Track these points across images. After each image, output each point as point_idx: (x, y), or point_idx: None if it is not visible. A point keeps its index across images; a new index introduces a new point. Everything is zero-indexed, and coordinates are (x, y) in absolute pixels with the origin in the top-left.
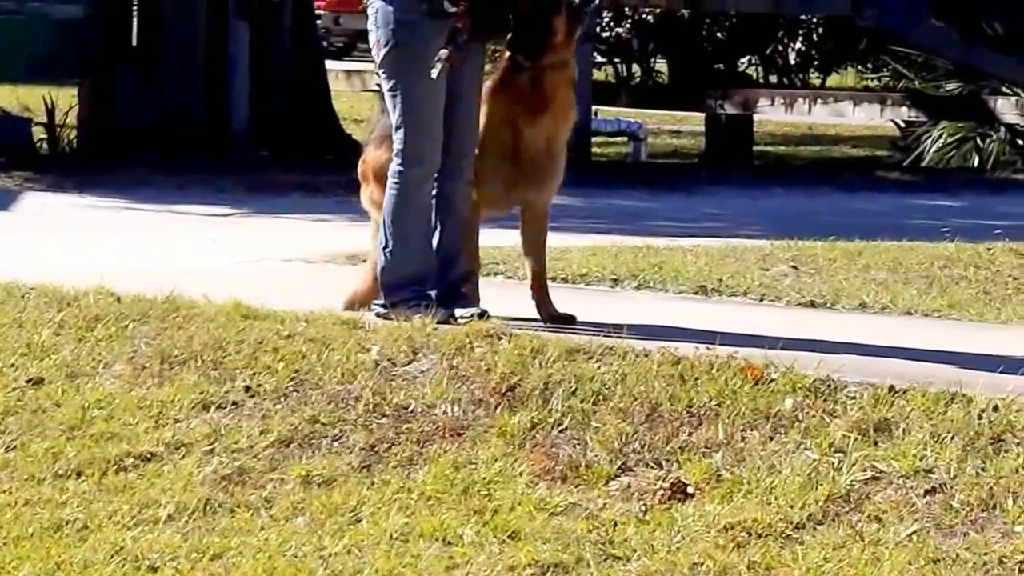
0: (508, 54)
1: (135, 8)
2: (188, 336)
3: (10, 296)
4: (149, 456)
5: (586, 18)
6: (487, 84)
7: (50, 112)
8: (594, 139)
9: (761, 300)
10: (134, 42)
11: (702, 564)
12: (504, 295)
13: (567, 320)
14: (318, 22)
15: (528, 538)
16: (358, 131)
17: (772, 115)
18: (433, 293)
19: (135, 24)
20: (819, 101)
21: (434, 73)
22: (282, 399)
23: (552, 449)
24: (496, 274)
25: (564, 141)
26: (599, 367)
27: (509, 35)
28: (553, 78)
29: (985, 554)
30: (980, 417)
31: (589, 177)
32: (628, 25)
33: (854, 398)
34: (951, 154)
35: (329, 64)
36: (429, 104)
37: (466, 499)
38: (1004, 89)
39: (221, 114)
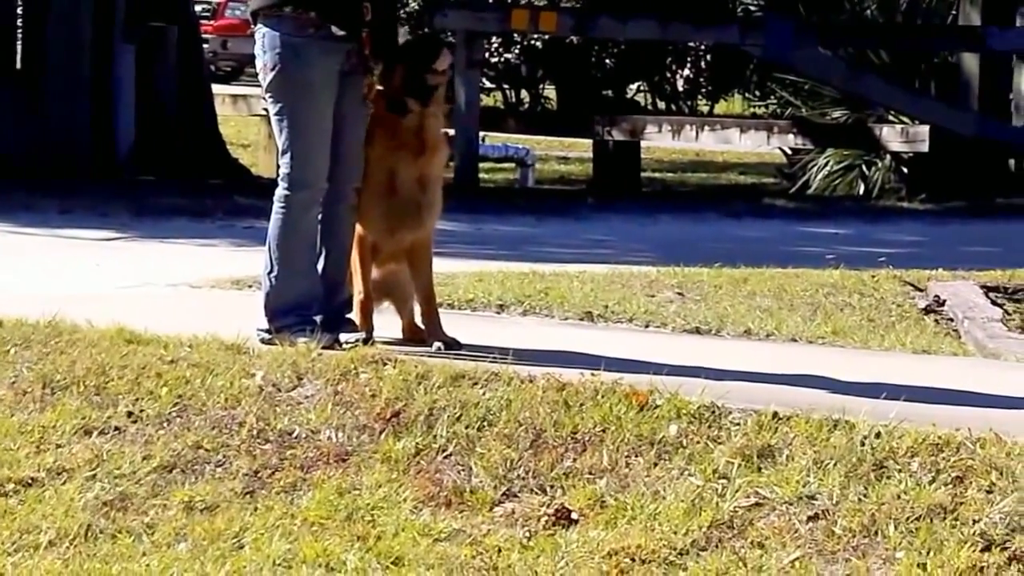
0: (379, 93)
1: (19, 31)
2: (71, 361)
3: None
4: (30, 481)
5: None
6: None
7: None
8: (482, 165)
9: (647, 326)
10: (18, 65)
11: None
12: (388, 321)
13: (452, 346)
14: (205, 46)
15: (412, 564)
16: (245, 155)
17: (660, 141)
18: (318, 318)
19: (19, 47)
20: (706, 128)
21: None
22: (165, 424)
23: (436, 475)
24: None
25: (439, 173)
26: (484, 393)
27: (401, 80)
28: (429, 119)
29: None
30: (863, 443)
31: (476, 203)
32: (517, 51)
33: (738, 424)
34: (837, 181)
35: (216, 88)
36: (316, 128)
37: (350, 525)
38: (889, 117)
39: (106, 138)
